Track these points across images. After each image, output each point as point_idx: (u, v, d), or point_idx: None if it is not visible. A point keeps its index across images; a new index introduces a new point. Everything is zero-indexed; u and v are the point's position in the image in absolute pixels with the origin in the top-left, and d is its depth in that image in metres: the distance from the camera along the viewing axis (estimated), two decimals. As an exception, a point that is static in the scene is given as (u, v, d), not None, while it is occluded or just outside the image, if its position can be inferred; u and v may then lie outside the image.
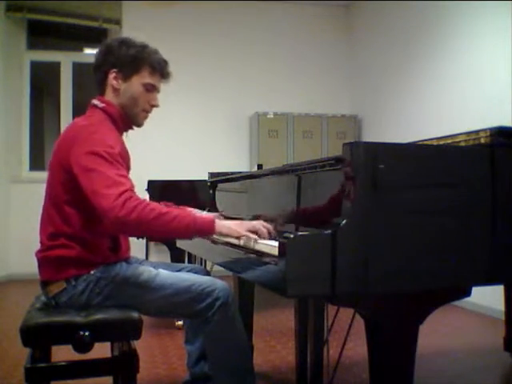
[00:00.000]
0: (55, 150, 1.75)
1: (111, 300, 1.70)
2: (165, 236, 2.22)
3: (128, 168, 1.83)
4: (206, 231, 1.61)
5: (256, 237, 1.55)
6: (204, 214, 1.97)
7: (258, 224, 1.60)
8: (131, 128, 1.90)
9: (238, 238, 1.59)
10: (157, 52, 1.84)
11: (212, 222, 1.60)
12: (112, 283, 1.71)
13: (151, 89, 1.83)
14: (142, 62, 1.79)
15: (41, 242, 1.76)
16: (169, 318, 3.28)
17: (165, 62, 1.84)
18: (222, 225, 1.61)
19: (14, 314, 2.34)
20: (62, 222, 1.70)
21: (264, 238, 1.55)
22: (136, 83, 1.79)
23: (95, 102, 1.82)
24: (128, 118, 1.84)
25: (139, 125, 1.88)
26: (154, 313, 1.83)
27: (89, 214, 1.65)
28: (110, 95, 1.81)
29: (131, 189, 1.58)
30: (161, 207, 1.58)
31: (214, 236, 1.68)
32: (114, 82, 1.79)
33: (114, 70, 1.78)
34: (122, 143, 1.83)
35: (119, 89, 1.79)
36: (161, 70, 1.83)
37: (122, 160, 1.69)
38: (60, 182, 1.69)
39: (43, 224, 1.77)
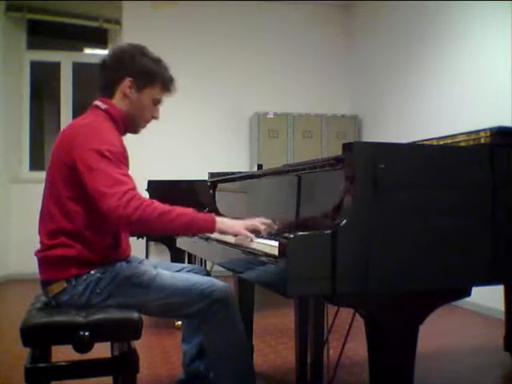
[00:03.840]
0: (55, 149, 1.75)
1: (112, 300, 1.71)
2: (167, 233, 2.24)
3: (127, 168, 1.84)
4: (206, 229, 1.65)
5: (253, 236, 1.56)
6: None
7: (258, 222, 1.62)
8: (126, 133, 1.92)
9: (236, 236, 1.62)
10: (168, 69, 1.89)
11: (212, 220, 1.63)
12: (112, 283, 1.71)
13: (157, 103, 1.88)
14: (157, 77, 1.84)
15: (40, 242, 1.75)
16: (169, 318, 3.27)
17: (173, 80, 1.90)
18: (222, 222, 1.64)
19: (14, 314, 2.34)
20: (64, 219, 1.70)
21: (263, 237, 1.55)
22: (147, 96, 1.84)
23: (97, 103, 1.83)
24: (129, 124, 1.87)
25: (136, 132, 1.93)
26: (154, 313, 1.83)
27: (93, 211, 1.65)
28: (118, 100, 1.83)
29: (134, 188, 1.60)
30: (163, 206, 1.60)
31: (214, 234, 1.69)
32: (128, 90, 1.81)
33: (130, 78, 1.80)
34: (123, 143, 1.83)
35: (130, 97, 1.82)
36: (170, 87, 1.89)
37: (124, 159, 1.71)
38: (62, 179, 1.70)
39: (43, 222, 1.76)
